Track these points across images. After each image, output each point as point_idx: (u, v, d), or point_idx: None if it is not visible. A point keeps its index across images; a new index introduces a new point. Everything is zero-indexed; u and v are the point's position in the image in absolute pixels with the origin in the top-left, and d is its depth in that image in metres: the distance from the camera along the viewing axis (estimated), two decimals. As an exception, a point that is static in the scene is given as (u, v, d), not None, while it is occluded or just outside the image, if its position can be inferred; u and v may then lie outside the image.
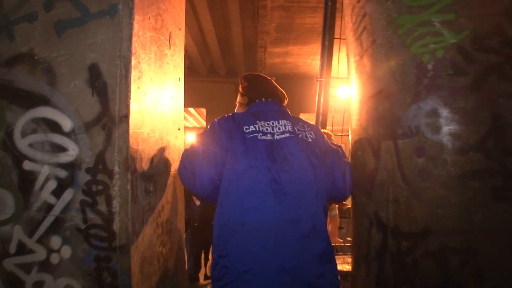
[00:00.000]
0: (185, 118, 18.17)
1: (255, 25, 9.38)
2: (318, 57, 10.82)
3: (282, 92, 2.48)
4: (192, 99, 12.97)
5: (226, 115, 2.23)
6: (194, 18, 9.18)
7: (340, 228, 5.67)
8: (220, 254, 1.96)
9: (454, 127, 2.01)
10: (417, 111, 2.08)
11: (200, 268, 5.44)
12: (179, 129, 2.76)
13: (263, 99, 2.31)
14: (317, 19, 8.20)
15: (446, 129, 2.02)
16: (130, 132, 1.91)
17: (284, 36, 9.52)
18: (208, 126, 2.20)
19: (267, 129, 2.11)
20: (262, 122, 2.14)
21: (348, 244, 4.40)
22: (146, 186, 2.13)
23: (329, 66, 3.37)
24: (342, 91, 4.37)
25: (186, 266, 5.30)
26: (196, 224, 5.20)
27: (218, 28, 9.93)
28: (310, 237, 1.99)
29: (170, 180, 2.55)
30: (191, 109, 16.53)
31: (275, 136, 2.10)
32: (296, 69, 12.02)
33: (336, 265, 2.11)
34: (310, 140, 2.17)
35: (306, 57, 11.00)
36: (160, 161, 2.36)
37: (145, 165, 2.11)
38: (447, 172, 2.01)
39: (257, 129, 2.09)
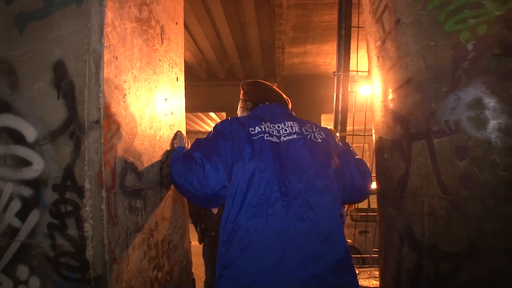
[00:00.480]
0: (205, 123, 18.07)
1: (272, 25, 9.17)
2: (339, 56, 10.64)
3: (286, 97, 2.28)
4: (212, 103, 12.83)
5: (229, 118, 2.04)
6: (210, 22, 9.04)
7: (365, 232, 5.09)
8: (223, 264, 1.77)
9: (505, 121, 1.64)
10: (456, 102, 1.71)
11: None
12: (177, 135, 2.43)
13: (267, 103, 2.15)
14: (335, 16, 7.79)
15: (494, 123, 1.65)
16: (104, 140, 1.58)
17: (301, 35, 9.26)
18: (212, 130, 2.00)
19: (272, 131, 1.93)
20: (268, 123, 1.97)
21: (376, 256, 3.98)
22: (131, 203, 1.80)
23: (347, 59, 3.00)
24: (363, 89, 3.96)
25: (204, 278, 5.05)
26: (213, 233, 4.93)
27: (234, 30, 9.77)
28: (327, 242, 1.76)
29: (167, 192, 2.22)
30: (212, 114, 16.39)
31: (282, 138, 1.92)
32: (316, 69, 11.72)
33: (356, 275, 1.85)
34: (319, 140, 1.97)
35: (326, 56, 10.70)
36: (151, 172, 2.03)
37: (129, 179, 1.79)
38: (497, 178, 1.64)
39: (263, 129, 1.92)
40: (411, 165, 1.88)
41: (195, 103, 11.65)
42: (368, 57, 2.29)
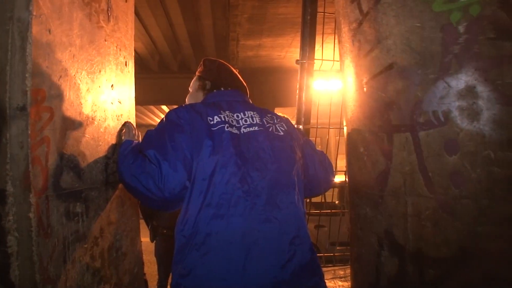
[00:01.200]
0: (157, 116, 17.55)
1: (227, 16, 8.95)
2: (292, 49, 10.52)
3: (245, 85, 2.04)
4: (164, 96, 12.47)
5: (183, 106, 1.76)
6: (163, 11, 8.72)
7: (319, 226, 4.89)
8: (181, 273, 1.54)
9: (500, 112, 1.47)
10: (445, 90, 1.54)
11: (172, 279, 4.88)
12: (126, 126, 2.12)
13: (222, 88, 1.91)
14: (291, 9, 7.91)
15: (488, 114, 1.49)
16: (32, 131, 1.27)
17: (257, 28, 9.11)
18: (163, 119, 1.70)
19: (232, 121, 1.72)
20: (227, 112, 1.75)
21: (339, 254, 3.82)
22: (69, 208, 1.49)
23: (312, 46, 2.78)
24: (328, 81, 3.79)
25: (157, 278, 4.77)
26: (165, 231, 4.67)
27: (188, 21, 9.51)
28: (295, 243, 1.60)
29: (114, 192, 1.92)
30: (164, 107, 15.92)
31: (242, 130, 1.70)
32: (270, 63, 11.62)
33: (323, 276, 1.68)
34: (281, 133, 1.78)
35: (280, 50, 10.62)
36: (94, 170, 1.73)
37: (66, 179, 1.48)
38: (491, 175, 1.50)
39: (223, 119, 1.69)
40: (392, 160, 1.69)
41: (147, 96, 11.25)
42: (340, 42, 2.08)
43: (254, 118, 1.76)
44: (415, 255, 1.62)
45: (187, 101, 2.00)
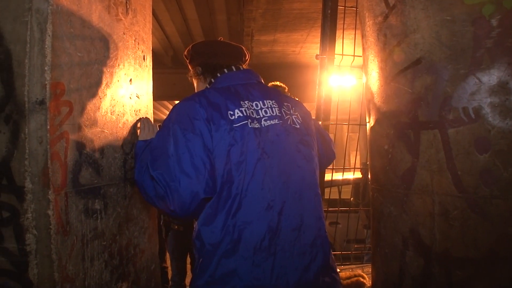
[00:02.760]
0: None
1: (241, 11, 8.88)
2: (307, 45, 10.42)
3: (246, 51, 1.85)
4: (178, 91, 12.46)
5: (195, 97, 1.54)
6: (177, 7, 8.66)
7: (335, 223, 4.82)
8: (208, 281, 1.45)
9: (535, 108, 1.40)
10: (476, 86, 1.48)
11: (185, 274, 4.85)
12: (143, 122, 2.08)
13: (233, 68, 1.71)
14: (306, 4, 7.80)
15: None
16: (51, 126, 1.24)
17: (271, 23, 9.02)
18: (174, 115, 1.52)
19: (253, 113, 1.57)
20: (247, 102, 1.58)
21: (357, 252, 3.77)
22: (88, 204, 1.47)
23: (332, 40, 2.72)
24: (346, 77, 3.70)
25: (170, 273, 4.76)
26: (176, 226, 4.65)
27: (202, 16, 9.45)
28: (317, 244, 1.57)
29: (132, 188, 1.89)
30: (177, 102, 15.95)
31: (263, 122, 1.57)
32: (285, 58, 11.52)
33: (336, 269, 1.65)
34: (298, 126, 1.66)
35: (295, 45, 10.52)
36: (113, 166, 1.70)
37: (85, 175, 1.45)
38: None
39: (244, 113, 1.53)
40: (419, 158, 1.63)
41: (160, 91, 11.24)
42: (364, 36, 2.02)
43: (273, 109, 1.62)
44: (441, 255, 1.57)
45: None
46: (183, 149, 1.42)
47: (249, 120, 1.53)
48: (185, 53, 1.86)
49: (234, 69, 1.72)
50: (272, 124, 1.58)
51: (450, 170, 1.53)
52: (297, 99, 1.88)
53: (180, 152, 1.42)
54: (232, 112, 1.52)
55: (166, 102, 16.04)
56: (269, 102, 1.63)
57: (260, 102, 1.61)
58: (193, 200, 1.41)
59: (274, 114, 1.61)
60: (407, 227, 1.70)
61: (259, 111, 1.59)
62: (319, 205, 1.65)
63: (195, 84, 1.85)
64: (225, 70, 1.70)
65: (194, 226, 1.56)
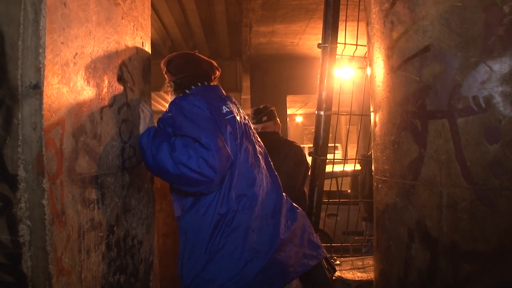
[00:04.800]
0: (168, 103, 17.48)
1: (240, 2, 8.81)
2: (306, 36, 10.35)
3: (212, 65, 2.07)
4: (175, 82, 12.36)
5: (191, 97, 1.78)
6: (176, -4, 8.60)
7: (333, 215, 4.81)
8: (213, 249, 1.68)
9: (549, 97, 1.35)
10: (487, 74, 1.43)
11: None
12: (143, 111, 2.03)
13: (199, 84, 1.96)
14: None
15: None
16: (47, 112, 1.18)
17: (270, 14, 8.94)
18: (181, 108, 1.72)
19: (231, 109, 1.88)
20: (225, 102, 1.89)
21: (357, 244, 3.73)
22: (85, 194, 1.42)
23: (335, 29, 2.66)
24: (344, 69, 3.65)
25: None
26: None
27: (200, 7, 9.40)
28: (289, 208, 1.92)
29: (130, 178, 1.84)
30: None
31: (237, 118, 1.86)
32: (283, 50, 11.43)
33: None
34: (247, 121, 1.96)
35: (293, 37, 10.44)
36: (110, 155, 1.64)
37: (81, 163, 1.40)
38: None
39: (229, 109, 1.84)
40: (426, 148, 1.58)
41: (158, 82, 11.13)
42: (369, 23, 1.97)
43: (239, 110, 1.93)
44: (449, 248, 1.53)
45: None
46: (206, 123, 1.66)
47: (234, 114, 1.83)
48: (161, 64, 2.04)
49: (206, 84, 1.96)
50: (244, 121, 1.90)
51: (459, 160, 1.48)
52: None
53: (204, 125, 1.65)
54: (221, 108, 1.80)
55: (164, 94, 15.96)
56: (229, 103, 1.89)
57: (228, 103, 1.88)
58: (227, 162, 1.64)
59: (236, 111, 1.88)
60: (413, 219, 1.66)
61: (232, 110, 1.86)
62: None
63: (169, 86, 2.04)
64: (193, 87, 1.93)
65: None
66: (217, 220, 1.68)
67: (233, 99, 1.99)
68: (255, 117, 3.28)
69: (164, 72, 2.03)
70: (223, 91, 2.00)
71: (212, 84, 1.99)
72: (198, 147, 1.56)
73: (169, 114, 1.72)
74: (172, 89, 2.00)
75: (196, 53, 2.07)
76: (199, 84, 1.93)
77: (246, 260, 1.66)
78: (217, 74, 2.06)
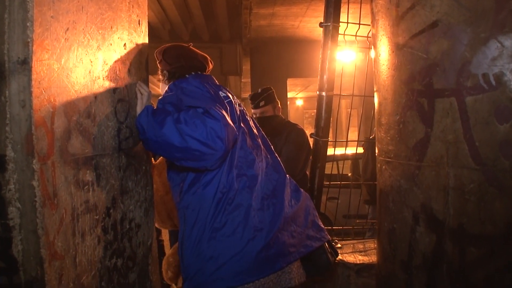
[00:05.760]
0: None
1: (240, -17, 8.67)
2: (306, 19, 10.22)
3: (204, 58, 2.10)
4: (174, 65, 12.25)
5: (192, 79, 1.88)
6: (175, -23, 8.44)
7: (333, 198, 4.80)
8: (215, 226, 1.67)
9: None
10: (498, 51, 1.37)
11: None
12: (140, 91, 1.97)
13: (193, 73, 1.98)
14: None
15: None
16: (36, 88, 1.12)
17: (271, -5, 8.81)
18: (182, 87, 1.79)
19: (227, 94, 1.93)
20: (223, 89, 1.93)
21: (359, 228, 3.69)
22: (78, 176, 1.36)
23: (337, 7, 2.57)
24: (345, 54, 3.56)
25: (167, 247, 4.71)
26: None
27: (200, -12, 9.24)
28: (292, 188, 1.93)
29: (127, 160, 1.79)
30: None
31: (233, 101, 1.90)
32: (283, 32, 11.29)
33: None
34: (242, 107, 1.98)
35: (294, 19, 10.31)
36: (105, 135, 1.59)
37: (74, 143, 1.34)
38: None
39: (225, 94, 1.87)
40: (433, 128, 1.53)
41: (156, 65, 11.02)
42: (373, 1, 1.90)
43: (230, 94, 1.91)
44: (455, 231, 1.49)
45: None
46: (212, 99, 1.72)
47: (230, 99, 1.85)
48: (156, 54, 2.06)
49: (205, 73, 2.00)
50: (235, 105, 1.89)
51: (467, 141, 1.43)
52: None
53: (211, 99, 1.71)
54: (219, 93, 1.83)
55: (160, 76, 15.86)
56: (226, 91, 1.92)
57: (223, 89, 1.92)
58: (233, 137, 1.64)
59: (232, 97, 1.90)
60: (419, 202, 1.61)
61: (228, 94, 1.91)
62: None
63: (163, 76, 2.06)
64: (187, 76, 1.93)
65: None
66: (218, 198, 1.67)
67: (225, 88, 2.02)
68: (253, 103, 3.23)
69: (158, 61, 2.05)
70: (214, 80, 2.02)
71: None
72: (207, 118, 1.54)
73: (170, 93, 1.73)
74: (165, 78, 2.02)
75: (191, 46, 2.10)
76: (193, 73, 1.95)
77: (248, 238, 1.65)
78: (210, 67, 2.09)
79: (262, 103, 3.20)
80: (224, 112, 1.61)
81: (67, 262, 1.28)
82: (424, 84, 1.55)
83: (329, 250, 1.93)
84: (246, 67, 12.72)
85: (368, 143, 4.19)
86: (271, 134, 3.22)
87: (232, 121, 1.68)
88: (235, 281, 1.62)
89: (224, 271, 1.62)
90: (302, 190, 1.94)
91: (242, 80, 14.67)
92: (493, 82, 1.37)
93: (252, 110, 3.28)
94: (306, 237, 1.81)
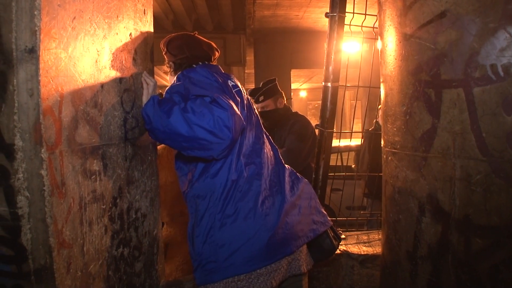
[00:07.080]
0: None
1: (244, -28, 8.61)
2: (310, 9, 10.15)
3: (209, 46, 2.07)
4: (177, 56, 12.18)
5: (199, 69, 1.81)
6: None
7: (337, 190, 4.80)
8: (227, 213, 1.67)
9: None
10: (507, 41, 1.37)
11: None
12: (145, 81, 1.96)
13: (200, 63, 1.95)
14: None
15: None
16: (44, 78, 1.12)
17: (275, -15, 8.77)
18: (189, 77, 1.74)
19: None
20: (232, 78, 1.92)
21: (363, 219, 3.70)
22: (86, 165, 1.37)
23: (343, -4, 2.56)
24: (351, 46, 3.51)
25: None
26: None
27: (203, -22, 9.17)
28: (291, 175, 1.94)
29: (134, 149, 1.80)
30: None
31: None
32: (287, 23, 11.23)
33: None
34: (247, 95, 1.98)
35: (298, 10, 10.24)
36: (112, 125, 1.59)
37: (82, 133, 1.34)
38: None
39: (234, 83, 1.86)
40: (440, 119, 1.53)
41: (161, 56, 11.01)
42: (380, -10, 1.88)
43: (238, 82, 1.90)
44: (461, 222, 1.48)
45: None
46: (219, 88, 1.71)
47: (239, 88, 1.85)
48: (161, 45, 2.03)
49: (206, 63, 1.96)
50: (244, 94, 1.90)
51: (474, 132, 1.42)
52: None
53: (218, 88, 1.70)
54: (228, 82, 1.81)
55: (165, 67, 15.83)
56: (235, 80, 1.92)
57: (232, 78, 1.91)
58: (240, 127, 1.64)
59: (240, 86, 1.90)
60: (424, 192, 1.61)
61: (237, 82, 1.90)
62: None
63: (170, 66, 2.04)
64: (194, 66, 1.90)
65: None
66: (229, 186, 1.68)
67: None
68: (252, 98, 3.21)
69: (164, 53, 2.03)
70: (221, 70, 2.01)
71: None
72: (214, 107, 1.53)
73: (178, 83, 1.70)
74: (172, 70, 2.00)
75: (196, 34, 2.07)
76: (200, 63, 1.93)
77: (260, 224, 1.65)
78: (217, 55, 2.06)
79: (261, 98, 3.19)
80: (231, 102, 1.59)
81: (75, 251, 1.29)
82: (432, 74, 1.55)
83: (332, 234, 1.94)
84: (250, 58, 12.66)
85: (366, 135, 4.19)
86: (274, 127, 3.21)
87: (240, 110, 1.69)
88: (248, 267, 1.62)
89: (237, 258, 1.62)
90: (301, 176, 1.94)
91: (246, 71, 14.62)
92: (501, 73, 1.36)
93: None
94: (312, 221, 1.82)
